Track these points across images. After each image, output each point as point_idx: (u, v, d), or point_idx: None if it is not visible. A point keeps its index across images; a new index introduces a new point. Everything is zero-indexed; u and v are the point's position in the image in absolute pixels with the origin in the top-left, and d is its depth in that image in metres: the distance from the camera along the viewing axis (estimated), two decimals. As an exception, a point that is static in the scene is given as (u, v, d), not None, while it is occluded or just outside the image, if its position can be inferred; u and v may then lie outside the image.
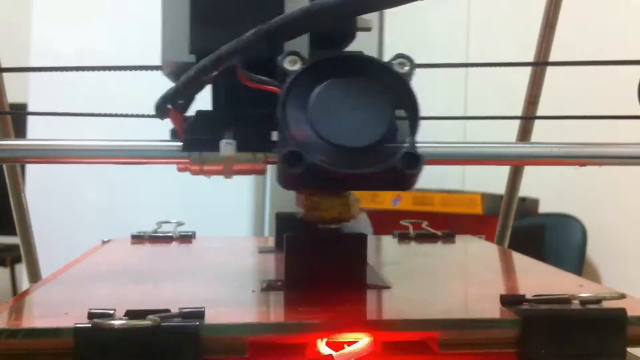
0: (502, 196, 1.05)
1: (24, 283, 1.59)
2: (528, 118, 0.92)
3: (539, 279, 0.70)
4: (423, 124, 0.46)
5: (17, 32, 1.72)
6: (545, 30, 0.91)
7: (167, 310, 0.44)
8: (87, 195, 1.81)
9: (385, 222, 1.25)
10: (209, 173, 0.50)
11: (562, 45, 0.95)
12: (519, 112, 0.98)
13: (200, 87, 0.49)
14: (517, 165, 0.98)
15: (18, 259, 2.18)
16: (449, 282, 0.68)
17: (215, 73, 0.48)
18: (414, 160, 0.44)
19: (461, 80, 2.54)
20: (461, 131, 2.35)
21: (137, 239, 0.91)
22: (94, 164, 0.53)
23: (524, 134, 0.96)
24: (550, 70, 0.95)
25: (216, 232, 1.00)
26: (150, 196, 1.78)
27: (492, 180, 2.26)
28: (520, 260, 0.81)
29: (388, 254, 0.89)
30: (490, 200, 2.17)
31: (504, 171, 1.04)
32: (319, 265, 0.56)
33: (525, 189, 1.06)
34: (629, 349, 0.48)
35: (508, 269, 0.79)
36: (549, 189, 2.20)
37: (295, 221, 0.65)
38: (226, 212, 1.77)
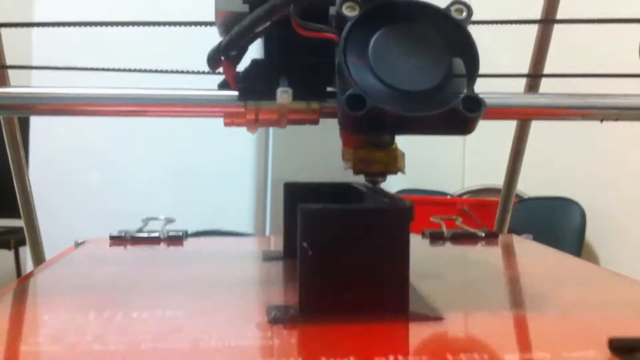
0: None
1: (29, 266, 1.59)
2: (534, 76, 0.92)
3: (634, 303, 0.53)
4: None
5: (20, 9, 1.70)
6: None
7: None
8: (89, 180, 1.81)
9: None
10: (263, 123, 0.51)
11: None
12: (520, 89, 0.99)
13: (254, 38, 0.50)
14: (521, 119, 0.96)
15: (22, 242, 2.17)
16: (520, 308, 0.50)
17: (269, 23, 0.48)
18: (476, 103, 0.44)
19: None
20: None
21: (117, 240, 0.78)
22: (144, 116, 0.52)
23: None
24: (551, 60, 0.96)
25: (215, 225, 0.99)
26: (152, 181, 1.78)
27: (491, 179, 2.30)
28: (595, 272, 0.65)
29: (422, 263, 0.66)
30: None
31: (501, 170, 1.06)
32: (346, 248, 0.43)
33: (525, 173, 1.07)
34: None
35: (590, 287, 0.58)
36: (549, 173, 2.22)
37: (309, 193, 0.61)
38: (227, 204, 1.77)
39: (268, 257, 0.68)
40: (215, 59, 0.51)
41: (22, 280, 0.59)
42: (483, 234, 0.80)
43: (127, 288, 0.57)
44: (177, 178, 1.79)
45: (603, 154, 2.12)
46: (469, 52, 0.46)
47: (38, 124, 1.80)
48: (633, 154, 2.05)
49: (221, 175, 1.78)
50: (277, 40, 0.51)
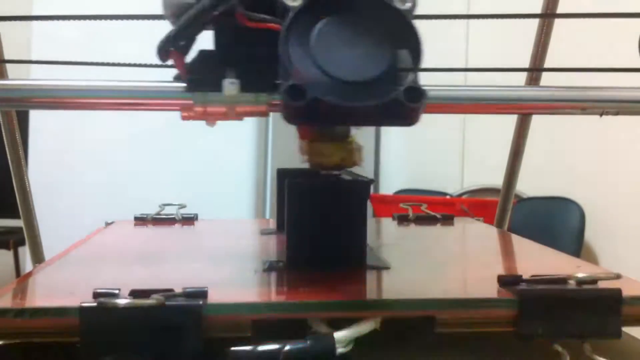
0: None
1: (28, 266, 1.59)
2: (534, 70, 0.91)
3: (537, 260, 0.70)
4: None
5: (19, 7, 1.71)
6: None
7: (171, 290, 0.45)
8: (89, 179, 1.81)
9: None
10: (212, 115, 0.50)
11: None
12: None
13: (201, 28, 0.49)
14: (521, 113, 0.95)
15: (21, 242, 2.18)
16: (448, 263, 0.68)
17: (215, 13, 0.48)
18: (417, 94, 0.44)
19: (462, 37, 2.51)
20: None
21: (140, 220, 0.92)
22: (92, 109, 0.52)
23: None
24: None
25: (217, 217, 1.00)
26: (152, 180, 1.78)
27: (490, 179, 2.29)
28: (519, 242, 0.81)
29: (387, 236, 0.88)
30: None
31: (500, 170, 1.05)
32: (320, 213, 0.57)
33: (524, 173, 1.06)
34: (624, 328, 0.48)
35: (506, 251, 0.79)
36: (548, 173, 2.20)
37: (297, 175, 0.65)
38: (227, 198, 1.77)
39: (265, 232, 0.82)
40: (164, 49, 0.50)
41: (22, 280, 0.60)
42: (441, 217, 0.96)
43: (156, 251, 0.73)
44: (178, 172, 1.79)
45: (602, 154, 2.11)
46: (413, 43, 0.45)
47: (37, 123, 1.81)
48: (633, 154, 2.03)
49: (221, 168, 1.78)
50: (226, 31, 0.51)
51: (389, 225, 0.94)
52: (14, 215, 0.99)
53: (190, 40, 0.50)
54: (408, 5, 0.46)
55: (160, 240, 0.83)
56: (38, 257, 0.98)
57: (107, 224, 0.91)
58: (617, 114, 0.57)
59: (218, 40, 0.51)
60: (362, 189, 0.58)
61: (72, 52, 1.57)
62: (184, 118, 0.54)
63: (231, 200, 1.78)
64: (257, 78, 0.50)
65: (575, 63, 0.62)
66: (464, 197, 2.47)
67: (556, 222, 2.20)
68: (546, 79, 0.94)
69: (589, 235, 2.17)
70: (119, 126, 1.77)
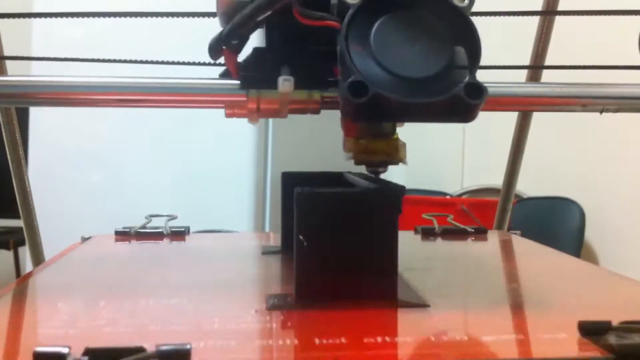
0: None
1: (28, 266, 1.58)
2: (535, 67, 0.91)
3: (612, 291, 0.57)
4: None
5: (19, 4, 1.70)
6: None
7: (141, 349, 0.34)
8: (89, 179, 1.80)
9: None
10: (264, 112, 0.50)
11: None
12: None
13: (255, 26, 0.50)
14: (520, 110, 0.94)
15: (21, 242, 2.17)
16: (500, 297, 0.54)
17: (270, 11, 0.48)
18: (478, 90, 0.44)
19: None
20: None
21: (122, 235, 0.81)
22: (144, 105, 0.52)
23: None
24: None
25: (215, 226, 0.99)
26: (152, 180, 1.78)
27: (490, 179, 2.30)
28: (576, 264, 0.68)
29: (413, 257, 0.70)
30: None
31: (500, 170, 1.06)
32: (339, 231, 0.46)
33: (524, 173, 1.06)
34: None
35: (567, 277, 0.63)
36: (548, 173, 2.22)
37: (306, 181, 0.58)
38: (226, 201, 1.77)
39: (267, 251, 0.70)
40: (216, 48, 0.50)
41: (22, 280, 0.59)
42: (472, 230, 0.83)
43: (133, 279, 0.60)
44: (177, 175, 1.79)
45: (602, 154, 2.12)
46: (471, 40, 0.46)
47: (37, 123, 1.80)
48: (633, 154, 2.05)
49: (220, 173, 1.78)
50: (279, 29, 0.51)
51: (411, 241, 0.80)
52: (14, 215, 0.98)
53: (244, 39, 0.50)
54: (466, 2, 0.46)
55: (140, 263, 0.70)
56: (38, 257, 0.97)
57: (84, 239, 0.80)
58: (617, 111, 0.58)
59: (270, 37, 0.51)
60: (393, 199, 0.47)
61: (72, 51, 1.57)
62: (228, 115, 0.54)
63: (229, 201, 1.78)
64: (311, 74, 0.50)
65: (575, 61, 0.63)
66: (464, 197, 2.49)
67: (556, 222, 2.21)
68: (546, 78, 0.94)
69: (589, 235, 2.19)
70: (119, 126, 1.76)
